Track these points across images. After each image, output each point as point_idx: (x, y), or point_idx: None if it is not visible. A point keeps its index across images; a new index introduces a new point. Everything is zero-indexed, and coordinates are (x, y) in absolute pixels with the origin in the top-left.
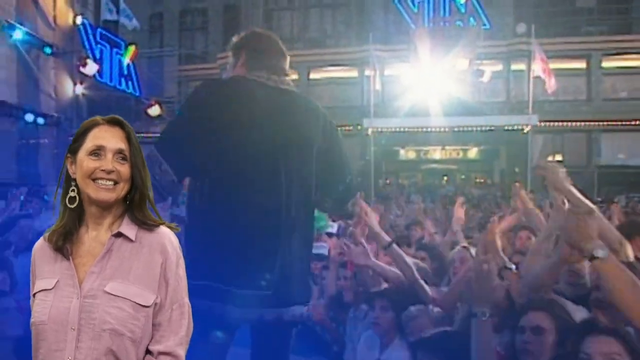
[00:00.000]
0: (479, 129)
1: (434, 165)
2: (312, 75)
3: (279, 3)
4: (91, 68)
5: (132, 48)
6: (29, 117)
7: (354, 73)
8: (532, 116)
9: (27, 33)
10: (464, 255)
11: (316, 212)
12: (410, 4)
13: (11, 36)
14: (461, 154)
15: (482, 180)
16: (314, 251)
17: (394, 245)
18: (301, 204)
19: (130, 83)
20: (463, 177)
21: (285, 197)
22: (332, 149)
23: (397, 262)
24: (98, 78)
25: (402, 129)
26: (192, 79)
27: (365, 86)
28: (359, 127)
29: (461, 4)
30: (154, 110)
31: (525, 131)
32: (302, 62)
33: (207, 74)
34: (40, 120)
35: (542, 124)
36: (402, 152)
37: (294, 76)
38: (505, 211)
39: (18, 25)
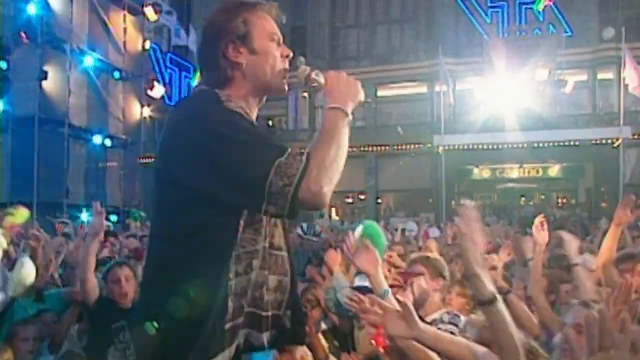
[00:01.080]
0: (560, 144)
1: (511, 185)
2: (380, 93)
3: (345, 21)
4: (158, 91)
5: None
6: (97, 140)
7: (423, 89)
8: (623, 128)
9: (98, 59)
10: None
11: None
12: (483, 14)
13: (82, 62)
14: (541, 172)
15: (565, 200)
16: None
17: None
18: None
19: None
20: (543, 196)
21: None
22: None
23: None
24: (167, 101)
25: (475, 146)
26: None
27: (435, 102)
28: (429, 145)
29: (538, 12)
30: None
31: (615, 145)
32: (369, 80)
33: None
34: (108, 142)
35: (636, 136)
36: (475, 170)
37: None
38: (596, 234)
39: (89, 52)
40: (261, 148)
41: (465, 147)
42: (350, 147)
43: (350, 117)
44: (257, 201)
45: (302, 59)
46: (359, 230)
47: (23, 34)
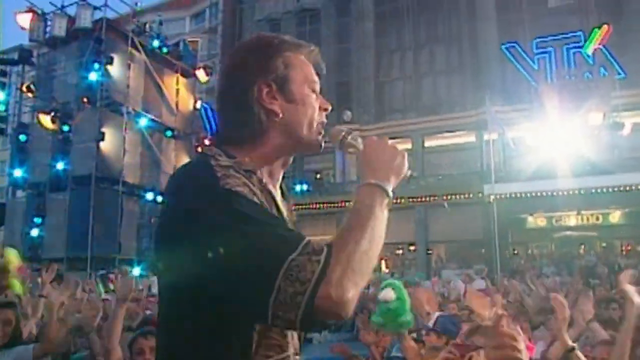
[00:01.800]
0: (621, 189)
1: (569, 233)
2: (427, 143)
3: (390, 74)
4: None
5: None
6: (150, 196)
7: (471, 138)
8: None
9: (151, 119)
10: None
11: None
12: (530, 61)
13: (137, 123)
14: (601, 219)
15: (629, 248)
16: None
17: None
18: None
19: None
20: (605, 244)
21: None
22: None
23: None
24: None
25: (529, 194)
26: (305, 154)
27: (484, 150)
28: (480, 195)
29: (588, 55)
30: None
31: None
32: (416, 131)
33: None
34: (160, 199)
35: None
36: (530, 219)
37: (408, 145)
38: None
39: (144, 113)
40: (266, 241)
41: (518, 195)
42: (399, 198)
43: (391, 196)
44: (258, 313)
45: (348, 112)
46: (389, 293)
47: (85, 99)
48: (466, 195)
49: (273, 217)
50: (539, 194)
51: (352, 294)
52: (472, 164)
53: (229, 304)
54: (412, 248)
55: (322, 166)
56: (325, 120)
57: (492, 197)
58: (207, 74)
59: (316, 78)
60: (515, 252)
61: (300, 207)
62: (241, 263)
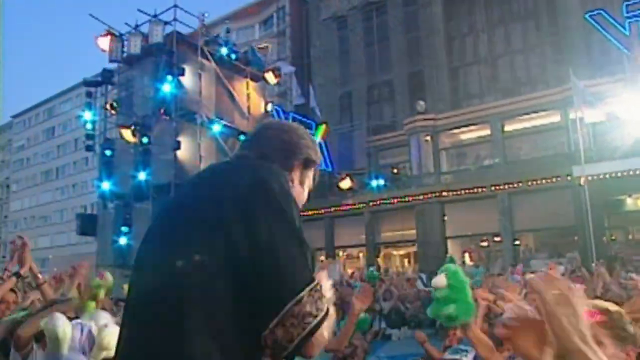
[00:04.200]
0: None
1: None
2: (508, 127)
3: (463, 59)
4: None
5: (322, 127)
6: None
7: (555, 117)
8: None
9: (224, 125)
10: None
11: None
12: (619, 27)
13: (211, 130)
14: None
15: None
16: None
17: None
18: None
19: (322, 160)
20: None
21: None
22: None
23: None
24: None
25: (625, 173)
26: (380, 149)
27: (570, 130)
28: (569, 177)
29: None
30: (345, 183)
31: None
32: (494, 115)
33: (395, 141)
34: None
35: None
36: (629, 200)
37: (486, 131)
38: None
39: (217, 120)
40: (306, 256)
41: (613, 175)
42: (480, 187)
43: None
44: (272, 309)
45: (421, 103)
46: (441, 280)
47: (161, 111)
48: (553, 179)
49: (306, 244)
50: (637, 172)
51: (316, 353)
52: (557, 145)
53: (254, 293)
54: (497, 239)
55: (398, 160)
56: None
57: (582, 179)
58: (276, 77)
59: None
60: (613, 237)
61: (377, 202)
62: (288, 262)
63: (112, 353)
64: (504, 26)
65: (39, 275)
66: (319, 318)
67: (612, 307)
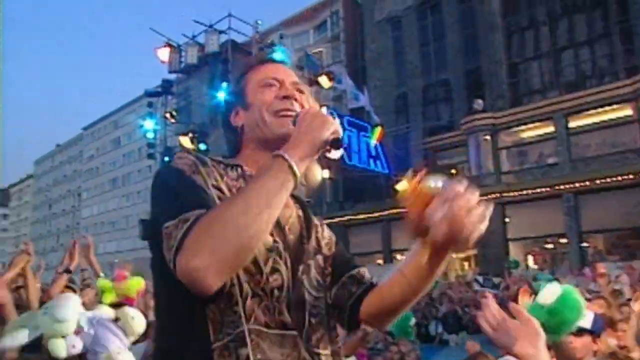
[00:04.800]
0: None
1: None
2: (572, 124)
3: (523, 54)
4: (337, 152)
5: (378, 129)
6: None
7: (626, 111)
8: None
9: None
10: None
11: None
12: None
13: None
14: None
15: None
16: None
17: None
18: None
19: (378, 162)
20: None
21: None
22: None
23: None
24: (347, 161)
25: None
26: (437, 150)
27: None
28: None
29: None
30: (401, 186)
31: None
32: (558, 111)
33: (452, 141)
34: None
35: None
36: None
37: (550, 128)
38: None
39: None
40: (168, 207)
41: None
42: (544, 186)
43: (296, 169)
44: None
45: (479, 101)
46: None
47: (217, 118)
48: (624, 177)
49: (190, 190)
50: None
51: (203, 261)
52: (628, 140)
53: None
54: (562, 240)
55: (456, 160)
56: (289, 106)
57: None
58: (330, 80)
59: (273, 73)
60: None
61: None
62: (158, 227)
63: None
64: (567, 17)
65: (101, 274)
66: (172, 252)
67: None
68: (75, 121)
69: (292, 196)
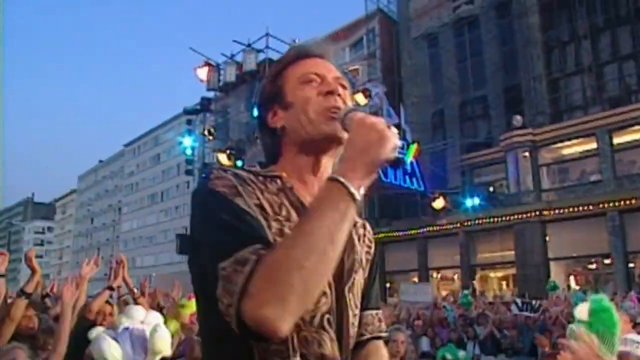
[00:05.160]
0: None
1: None
2: (617, 140)
3: (564, 69)
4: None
5: (414, 146)
6: None
7: None
8: None
9: None
10: None
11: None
12: None
13: None
14: None
15: None
16: None
17: None
18: None
19: (414, 180)
20: None
21: None
22: None
23: None
24: (383, 179)
25: None
26: (475, 167)
27: None
28: None
29: None
30: (438, 203)
31: None
32: (600, 127)
33: (490, 158)
34: None
35: None
36: None
37: (592, 144)
38: None
39: None
40: (218, 238)
41: None
42: (586, 204)
43: (357, 196)
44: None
45: (518, 117)
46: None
47: (254, 135)
48: None
49: (237, 219)
50: None
51: (272, 311)
52: None
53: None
54: (607, 261)
55: (494, 178)
56: (335, 103)
57: None
58: (366, 97)
59: (313, 69)
60: None
61: (473, 222)
62: (202, 261)
63: (167, 353)
64: (609, 30)
65: (135, 290)
66: (235, 298)
67: None
68: (117, 137)
69: None
